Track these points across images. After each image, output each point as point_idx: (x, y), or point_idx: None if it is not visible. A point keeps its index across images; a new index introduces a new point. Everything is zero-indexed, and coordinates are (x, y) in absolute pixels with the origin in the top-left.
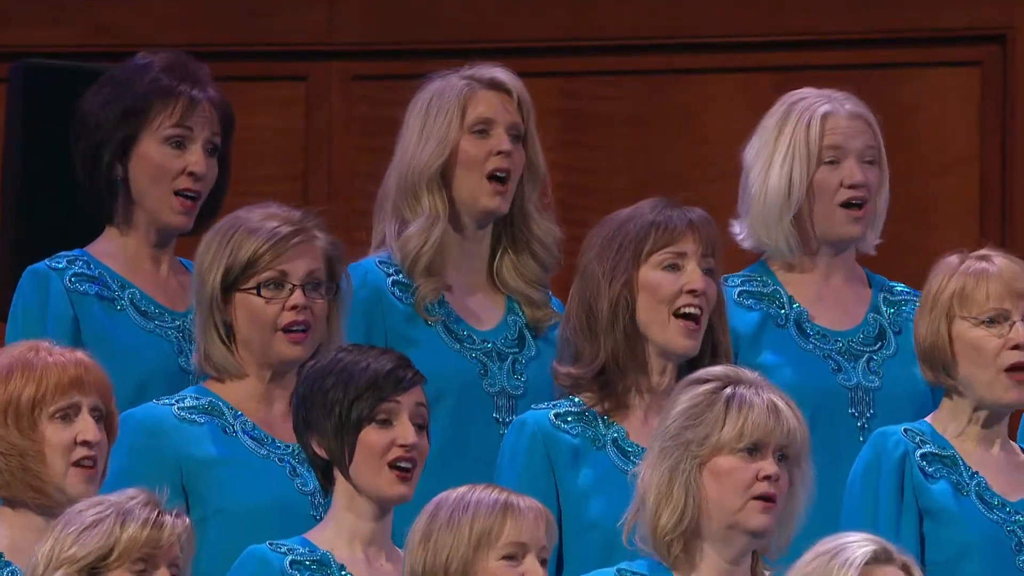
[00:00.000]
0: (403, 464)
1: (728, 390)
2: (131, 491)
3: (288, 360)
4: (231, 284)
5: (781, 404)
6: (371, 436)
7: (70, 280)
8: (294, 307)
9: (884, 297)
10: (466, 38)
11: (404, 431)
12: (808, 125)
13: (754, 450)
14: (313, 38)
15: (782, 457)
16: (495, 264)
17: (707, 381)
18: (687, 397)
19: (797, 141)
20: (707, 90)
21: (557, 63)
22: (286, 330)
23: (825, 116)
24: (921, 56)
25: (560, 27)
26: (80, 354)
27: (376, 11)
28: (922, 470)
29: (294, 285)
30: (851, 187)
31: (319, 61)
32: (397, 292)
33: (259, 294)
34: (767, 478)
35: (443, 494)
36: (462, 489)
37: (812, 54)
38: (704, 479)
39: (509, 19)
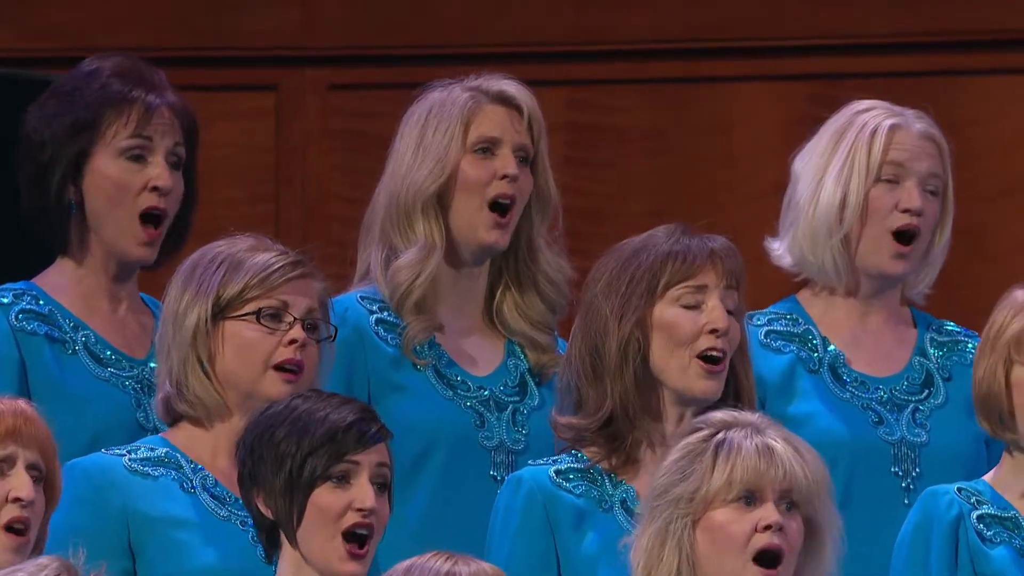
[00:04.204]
0: (360, 531)
1: (719, 436)
2: (44, 559)
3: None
4: (220, 311)
5: (778, 445)
6: (324, 497)
7: (16, 317)
8: (292, 342)
9: (932, 338)
10: (459, 42)
11: (362, 493)
12: (872, 135)
13: (751, 499)
14: (285, 41)
15: (790, 506)
16: (495, 302)
17: (701, 428)
18: (677, 448)
19: (858, 152)
20: (735, 101)
21: (563, 70)
22: (280, 368)
23: (893, 129)
24: (979, 62)
25: (566, 28)
26: (23, 403)
27: (357, 11)
28: (979, 534)
29: (295, 318)
30: (906, 211)
31: (292, 68)
32: (381, 332)
33: (259, 321)
34: (767, 528)
35: (394, 567)
36: (409, 561)
37: (854, 60)
38: (698, 538)
39: (508, 20)
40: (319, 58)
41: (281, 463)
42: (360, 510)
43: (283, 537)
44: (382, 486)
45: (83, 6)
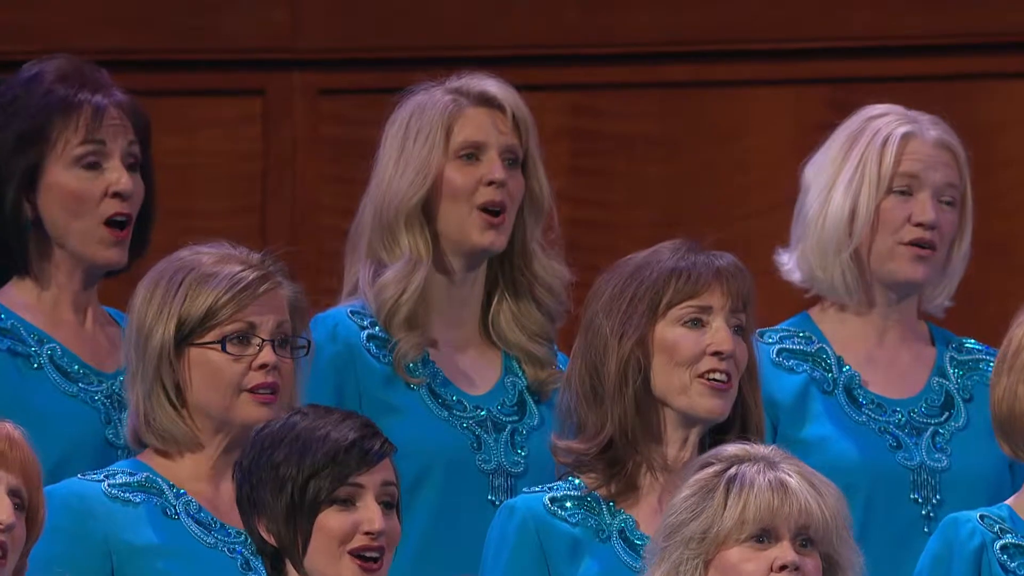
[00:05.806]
0: (369, 554)
1: (731, 471)
2: None
3: (253, 424)
4: (184, 337)
5: (793, 480)
6: (330, 520)
7: None
8: (263, 366)
9: (951, 357)
10: (457, 44)
11: (370, 514)
12: (884, 144)
13: (765, 537)
14: (272, 43)
15: (806, 542)
16: (490, 314)
17: (713, 464)
18: (689, 484)
19: (868, 161)
20: (749, 106)
21: (566, 73)
22: (252, 391)
23: (905, 137)
24: (1004, 65)
25: (570, 30)
26: (9, 426)
27: (348, 12)
28: (1002, 565)
29: (263, 340)
30: (919, 225)
31: (279, 71)
32: (373, 348)
33: (224, 349)
34: (783, 568)
35: None
36: None
37: (874, 63)
38: None
39: (508, 21)
40: (308, 61)
41: (282, 487)
42: (368, 533)
43: (288, 565)
44: (389, 504)
45: (58, 6)
